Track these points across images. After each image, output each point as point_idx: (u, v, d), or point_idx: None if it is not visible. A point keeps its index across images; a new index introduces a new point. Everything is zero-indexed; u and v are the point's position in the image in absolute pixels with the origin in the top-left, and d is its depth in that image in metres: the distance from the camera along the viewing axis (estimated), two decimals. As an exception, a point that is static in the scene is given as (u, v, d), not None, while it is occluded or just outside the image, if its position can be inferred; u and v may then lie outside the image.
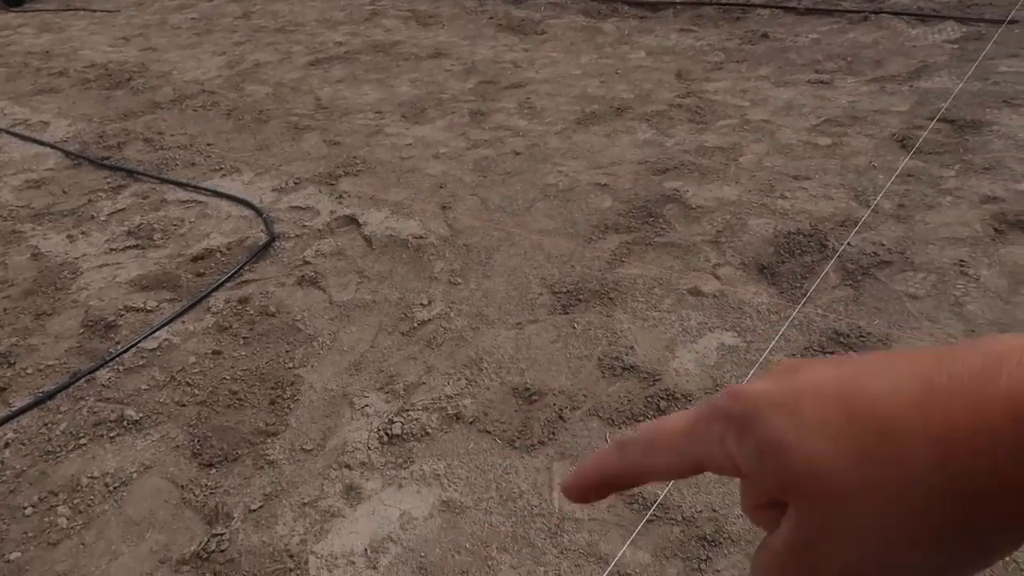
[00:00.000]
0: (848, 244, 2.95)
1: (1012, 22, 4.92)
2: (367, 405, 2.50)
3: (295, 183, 4.09)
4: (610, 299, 2.87)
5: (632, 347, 2.61)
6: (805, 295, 2.72)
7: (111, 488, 2.28)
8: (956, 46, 4.78)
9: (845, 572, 0.30)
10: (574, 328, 2.74)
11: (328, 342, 2.83)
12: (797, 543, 0.31)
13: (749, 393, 0.32)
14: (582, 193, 3.64)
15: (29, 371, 2.82)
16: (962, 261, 2.79)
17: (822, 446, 0.29)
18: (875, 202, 3.25)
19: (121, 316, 3.08)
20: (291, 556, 2.02)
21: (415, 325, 2.86)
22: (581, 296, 2.90)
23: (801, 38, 5.27)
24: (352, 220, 3.64)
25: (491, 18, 6.68)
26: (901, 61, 4.67)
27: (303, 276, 3.24)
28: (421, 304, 2.97)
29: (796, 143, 3.88)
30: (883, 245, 2.94)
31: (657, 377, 2.46)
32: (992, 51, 4.56)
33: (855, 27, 5.33)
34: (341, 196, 3.88)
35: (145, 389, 2.67)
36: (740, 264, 2.97)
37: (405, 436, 2.35)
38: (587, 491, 0.37)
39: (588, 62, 5.43)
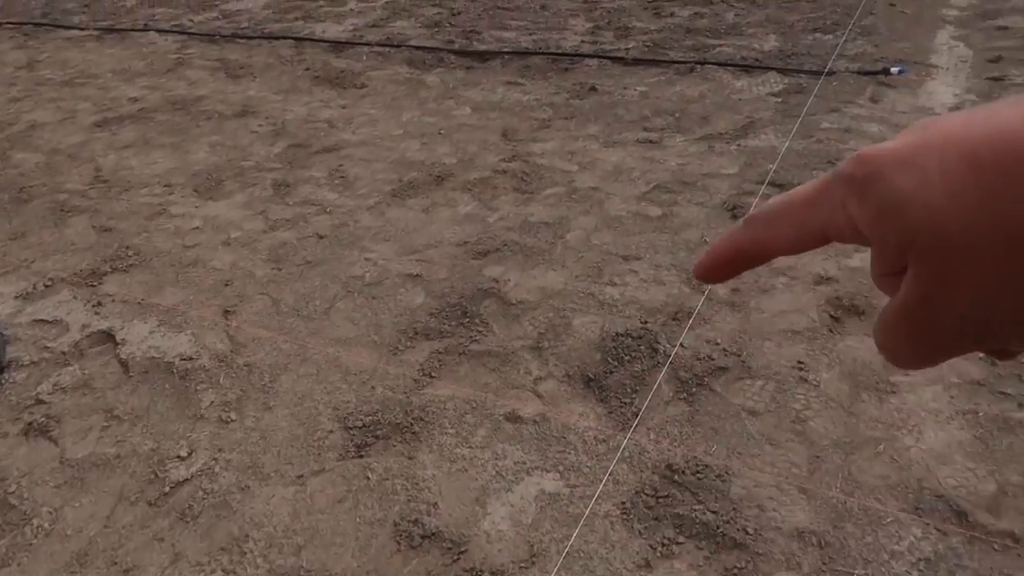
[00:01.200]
0: (681, 345, 2.63)
1: (830, 73, 4.91)
2: (84, 625, 1.89)
3: (46, 286, 3.37)
4: (414, 433, 2.39)
5: (436, 503, 2.14)
6: (636, 415, 2.36)
7: None
8: (779, 100, 4.71)
9: (962, 321, 0.30)
10: (368, 479, 2.24)
11: (47, 524, 2.18)
12: (916, 298, 0.30)
13: (874, 154, 0.31)
14: (391, 287, 3.16)
15: None
16: (801, 362, 2.52)
17: (943, 196, 0.28)
18: (708, 287, 2.97)
19: None
20: None
21: (167, 489, 2.26)
22: (380, 431, 2.41)
23: (629, 91, 5.07)
24: (108, 337, 2.98)
25: (307, 69, 6.13)
26: (728, 117, 4.53)
27: (31, 423, 2.56)
28: (179, 456, 2.37)
29: (626, 215, 3.59)
30: (718, 344, 2.63)
31: (463, 548, 2.00)
32: (813, 106, 4.50)
33: (682, 79, 5.20)
34: (101, 302, 3.20)
35: None
36: (564, 376, 2.58)
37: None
38: (719, 268, 0.38)
39: (410, 120, 4.99)
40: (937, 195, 0.29)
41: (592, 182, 3.93)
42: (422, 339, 2.83)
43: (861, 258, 3.04)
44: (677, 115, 4.62)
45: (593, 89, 5.13)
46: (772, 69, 5.14)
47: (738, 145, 4.17)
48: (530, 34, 6.48)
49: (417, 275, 3.22)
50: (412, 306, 3.03)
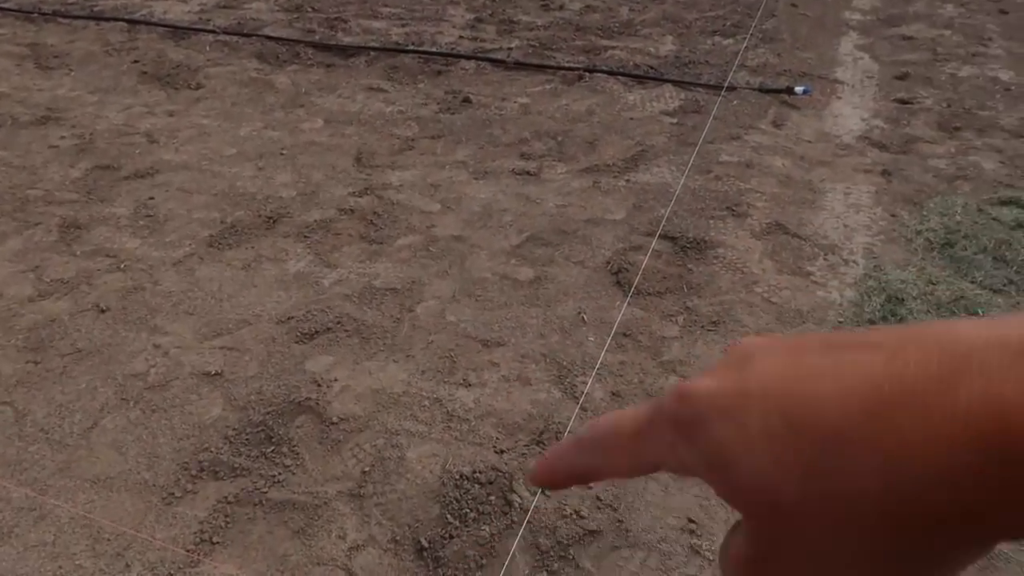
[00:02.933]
0: (544, 493, 2.03)
1: (730, 89, 4.40)
2: None
3: None
4: (170, 651, 1.71)
5: None
6: (477, 614, 1.75)
7: None
8: (675, 120, 4.16)
9: None
10: None
11: None
12: (751, 556, 0.30)
13: (695, 395, 0.30)
14: (181, 393, 2.43)
15: None
16: (691, 521, 1.97)
17: (766, 460, 0.27)
18: (584, 390, 2.38)
19: None
20: None
21: None
22: (122, 649, 1.72)
23: (508, 104, 4.42)
24: None
25: (136, 61, 5.17)
26: (617, 142, 3.95)
27: None
28: None
29: (491, 277, 2.96)
30: (590, 491, 2.05)
31: None
32: (712, 131, 3.97)
33: (568, 90, 4.58)
34: None
35: None
36: (390, 542, 1.95)
37: None
38: (552, 483, 0.36)
39: (248, 135, 4.19)
40: (759, 457, 0.27)
41: (455, 228, 3.28)
42: (209, 478, 2.13)
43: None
44: (560, 138, 4.00)
45: (467, 100, 4.44)
46: (668, 81, 4.59)
47: (627, 181, 3.60)
48: (403, 25, 5.71)
49: (217, 373, 2.50)
50: (204, 422, 2.32)
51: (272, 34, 5.59)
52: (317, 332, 2.69)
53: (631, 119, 4.20)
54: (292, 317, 2.77)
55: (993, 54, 4.97)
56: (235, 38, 5.51)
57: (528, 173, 3.70)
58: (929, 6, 5.83)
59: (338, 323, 2.73)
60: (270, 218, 3.39)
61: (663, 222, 3.20)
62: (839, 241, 3.12)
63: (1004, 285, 2.84)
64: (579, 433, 0.35)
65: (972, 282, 2.85)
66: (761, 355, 0.29)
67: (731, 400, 0.29)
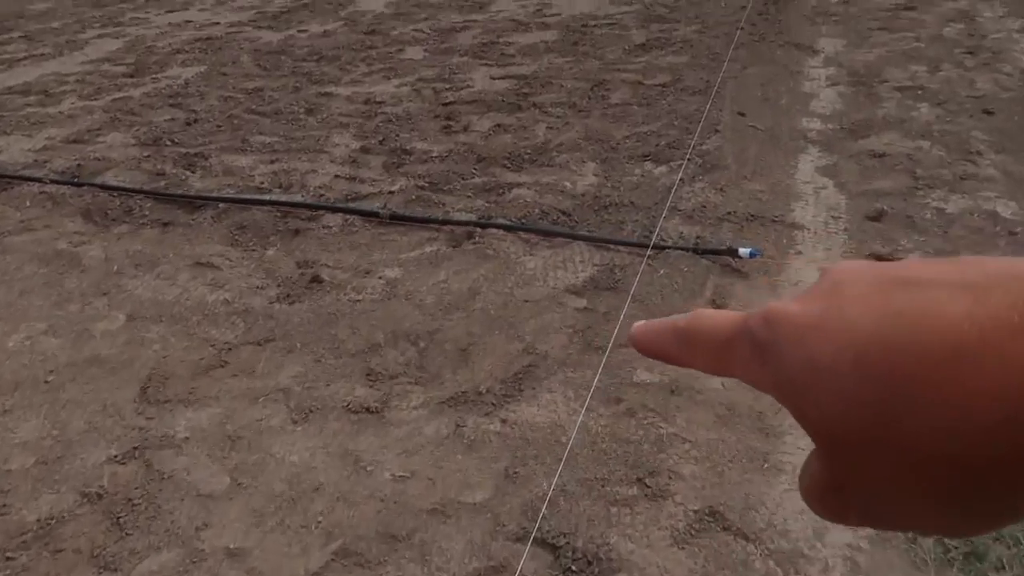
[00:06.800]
0: None
1: (658, 248, 3.39)
2: None
3: None
4: None
5: None
6: None
7: None
8: (582, 304, 3.13)
9: (870, 517, 0.30)
10: None
11: None
12: (824, 482, 0.30)
13: (777, 319, 0.30)
14: None
15: None
16: None
17: (833, 396, 0.27)
18: None
19: None
20: None
21: None
22: None
23: (371, 282, 3.38)
24: None
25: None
26: (500, 346, 2.90)
27: None
28: None
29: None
30: None
31: None
32: (630, 322, 2.94)
33: (453, 255, 3.56)
34: None
35: None
36: None
37: None
38: (641, 352, 0.37)
39: (19, 346, 3.12)
40: (827, 394, 0.28)
41: (237, 532, 2.19)
42: None
43: None
44: (424, 343, 2.95)
45: (318, 280, 3.40)
46: (580, 238, 3.58)
47: (503, 421, 2.53)
48: (272, 160, 4.72)
49: None
50: None
51: (111, 181, 4.58)
52: None
53: (525, 303, 3.16)
54: None
55: (986, 175, 4.01)
56: (63, 189, 4.50)
57: (368, 410, 2.63)
58: (901, 107, 4.93)
59: None
60: (-30, 522, 2.29)
61: (540, 517, 2.12)
62: (805, 543, 2.04)
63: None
64: (677, 320, 0.35)
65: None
66: (850, 285, 0.29)
67: (809, 329, 0.28)
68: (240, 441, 2.55)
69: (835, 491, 0.30)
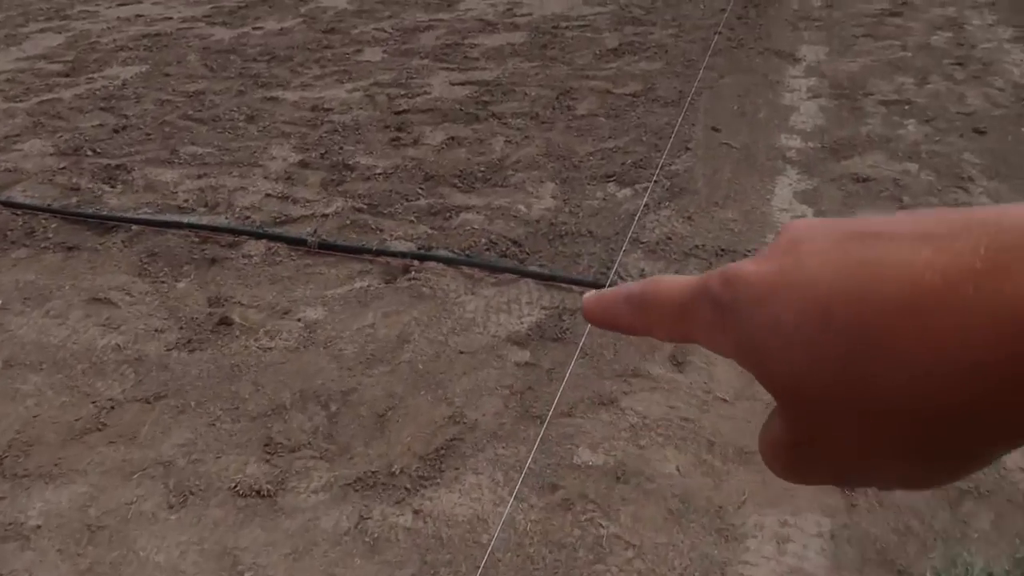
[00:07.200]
0: None
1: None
2: None
3: None
4: None
5: None
6: None
7: None
8: (524, 357, 2.73)
9: (833, 473, 0.30)
10: None
11: None
12: (787, 441, 0.30)
13: (737, 279, 0.29)
14: None
15: None
16: None
17: (797, 352, 0.27)
18: None
19: None
20: None
21: None
22: None
23: (287, 325, 2.97)
24: None
25: None
26: (424, 412, 2.49)
27: None
28: None
29: None
30: None
31: None
32: (576, 383, 2.53)
33: (386, 292, 3.14)
34: None
35: None
36: None
37: None
38: (596, 324, 0.37)
39: None
40: (791, 351, 0.27)
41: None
42: None
43: None
44: (337, 406, 2.54)
45: (226, 322, 2.98)
46: (529, 275, 3.18)
47: (416, 512, 2.12)
48: (201, 175, 4.28)
49: None
50: None
51: (17, 197, 4.13)
52: None
53: (460, 354, 2.75)
54: None
55: (979, 204, 3.65)
56: (-37, 205, 4.04)
57: (260, 493, 2.21)
58: (886, 123, 4.56)
59: None
60: None
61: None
62: None
63: None
64: (631, 287, 0.35)
65: None
66: (808, 241, 0.29)
67: (769, 288, 0.28)
68: (101, 532, 2.13)
69: (797, 447, 0.29)
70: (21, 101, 5.64)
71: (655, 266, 3.20)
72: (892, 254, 0.26)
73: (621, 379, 2.55)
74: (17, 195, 4.16)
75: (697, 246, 3.33)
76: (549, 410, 2.38)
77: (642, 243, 3.37)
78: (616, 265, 3.17)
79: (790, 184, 3.93)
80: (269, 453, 2.37)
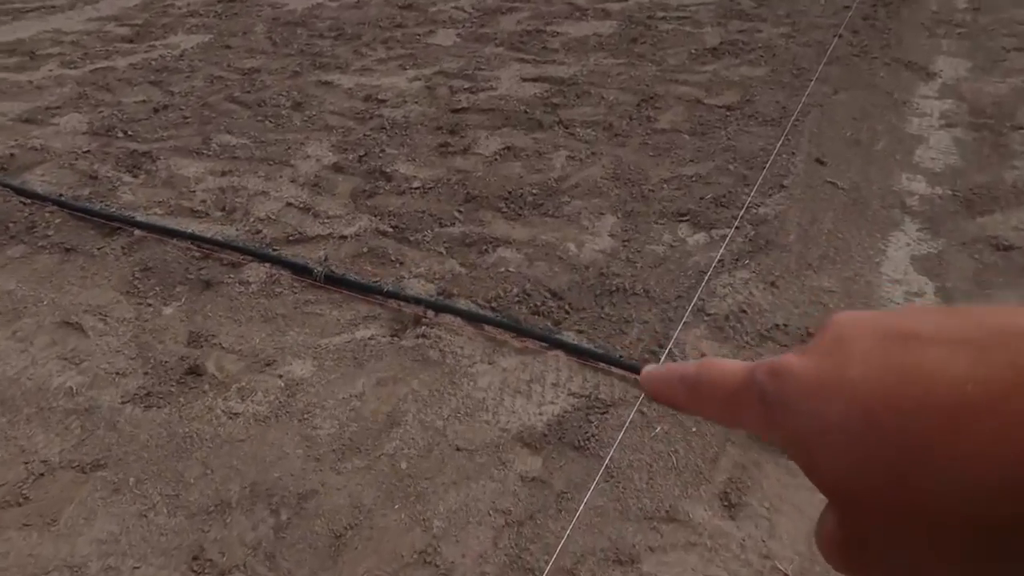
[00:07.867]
0: None
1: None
2: None
3: None
4: None
5: None
6: None
7: None
8: (536, 471, 2.15)
9: (886, 572, 0.29)
10: None
11: None
12: (841, 539, 0.29)
13: (785, 373, 0.30)
14: None
15: None
16: None
17: (844, 456, 0.27)
18: None
19: None
20: None
21: None
22: None
23: (265, 380, 2.49)
24: None
25: None
26: (391, 544, 1.97)
27: None
28: None
29: None
30: None
31: None
32: (596, 523, 1.95)
33: (388, 349, 2.63)
34: None
35: None
36: None
37: None
38: (652, 398, 0.37)
39: None
40: (838, 455, 0.27)
41: None
42: None
43: None
44: (287, 514, 2.03)
45: (196, 372, 2.53)
46: (561, 347, 2.59)
47: None
48: (225, 171, 3.87)
49: None
50: None
51: (38, 179, 3.82)
52: None
53: (457, 451, 2.21)
54: None
55: None
56: (-23, 188, 3.75)
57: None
58: (1038, 166, 3.70)
59: None
60: None
61: None
62: None
63: None
64: (687, 368, 0.35)
65: None
66: (853, 341, 0.29)
67: (816, 388, 0.28)
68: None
69: (850, 547, 0.29)
70: (76, 68, 5.39)
71: (719, 350, 2.56)
72: (931, 360, 0.26)
73: (650, 523, 1.95)
74: (34, 179, 3.85)
75: (777, 326, 2.66)
76: (547, 564, 1.82)
77: (708, 315, 2.72)
78: (671, 343, 2.55)
79: (908, 244, 3.18)
80: (195, 572, 1.90)
